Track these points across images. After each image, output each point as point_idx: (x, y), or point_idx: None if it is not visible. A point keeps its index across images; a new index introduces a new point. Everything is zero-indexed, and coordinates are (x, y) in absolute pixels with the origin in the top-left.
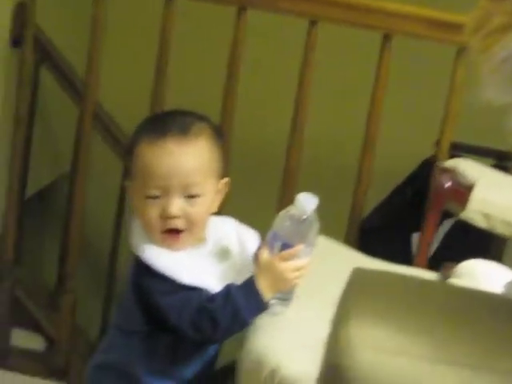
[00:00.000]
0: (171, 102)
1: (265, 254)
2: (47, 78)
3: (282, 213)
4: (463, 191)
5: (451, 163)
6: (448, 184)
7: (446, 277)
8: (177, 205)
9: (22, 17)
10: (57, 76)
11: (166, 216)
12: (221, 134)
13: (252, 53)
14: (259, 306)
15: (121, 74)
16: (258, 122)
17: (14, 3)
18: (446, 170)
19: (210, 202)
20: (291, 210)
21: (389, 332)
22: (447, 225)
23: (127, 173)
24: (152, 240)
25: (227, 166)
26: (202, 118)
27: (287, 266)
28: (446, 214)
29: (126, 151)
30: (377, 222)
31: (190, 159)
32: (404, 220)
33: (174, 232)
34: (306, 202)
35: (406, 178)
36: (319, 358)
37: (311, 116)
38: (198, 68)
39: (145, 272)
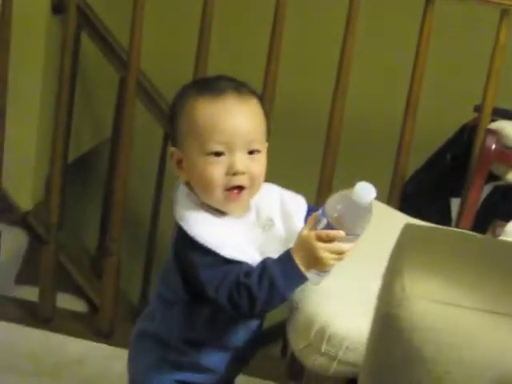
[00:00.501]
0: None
1: (305, 229)
2: (88, 43)
3: (338, 194)
4: (509, 153)
5: (497, 125)
6: (494, 146)
7: (495, 235)
8: (243, 161)
9: None
10: (97, 42)
11: (232, 172)
12: (261, 98)
13: (295, 21)
14: (296, 279)
15: (163, 41)
16: (301, 87)
17: None
18: (492, 132)
19: (265, 159)
20: (349, 194)
21: (442, 284)
22: (487, 189)
23: (172, 137)
24: (212, 199)
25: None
26: (243, 83)
27: (323, 246)
28: (486, 179)
29: (172, 113)
30: (416, 188)
31: (250, 116)
32: (444, 185)
33: (238, 189)
34: (365, 192)
35: (446, 143)
36: (370, 314)
37: (353, 80)
38: (241, 34)
39: (187, 243)
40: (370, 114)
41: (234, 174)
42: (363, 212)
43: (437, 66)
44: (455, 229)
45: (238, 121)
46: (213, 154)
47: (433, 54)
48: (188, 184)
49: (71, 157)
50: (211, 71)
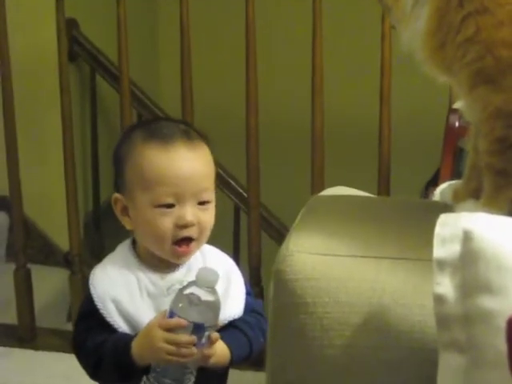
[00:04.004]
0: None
1: (155, 318)
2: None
3: (181, 289)
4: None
5: (458, 104)
6: (457, 123)
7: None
8: (193, 212)
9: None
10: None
11: (182, 225)
12: (208, 141)
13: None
14: (127, 367)
15: None
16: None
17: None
18: (455, 111)
19: (214, 209)
20: (192, 280)
21: (321, 239)
22: None
23: (116, 183)
24: (160, 251)
25: None
26: (188, 124)
27: (160, 335)
28: None
29: (116, 158)
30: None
31: (201, 164)
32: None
33: (187, 241)
34: (207, 278)
35: None
36: None
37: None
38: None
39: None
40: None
41: (184, 226)
42: (206, 298)
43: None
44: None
45: (187, 171)
46: (162, 206)
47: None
48: (132, 232)
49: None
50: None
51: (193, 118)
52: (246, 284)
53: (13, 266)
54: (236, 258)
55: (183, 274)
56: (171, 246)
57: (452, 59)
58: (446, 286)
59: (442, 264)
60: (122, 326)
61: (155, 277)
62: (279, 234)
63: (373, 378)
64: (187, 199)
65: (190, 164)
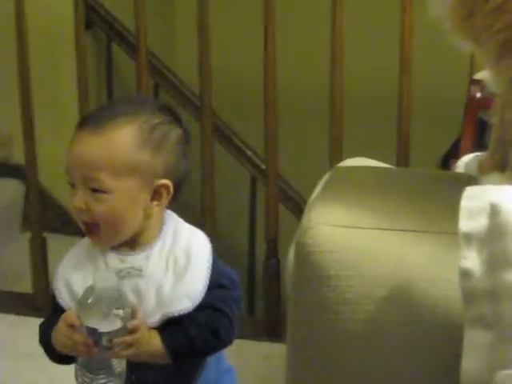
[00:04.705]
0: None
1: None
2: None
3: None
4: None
5: (480, 75)
6: (479, 94)
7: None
8: (81, 197)
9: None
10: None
11: (73, 208)
12: (185, 135)
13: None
14: (51, 349)
15: None
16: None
17: None
18: (476, 82)
19: (124, 201)
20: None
21: (344, 211)
22: None
23: None
24: None
25: (181, 168)
26: (142, 109)
27: (62, 328)
28: None
29: None
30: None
31: (93, 151)
32: None
33: (90, 226)
34: (104, 279)
35: None
36: None
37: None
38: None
39: None
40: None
41: (73, 208)
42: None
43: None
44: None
45: (76, 156)
46: (71, 186)
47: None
48: None
49: None
50: None
51: (210, 87)
52: (218, 275)
53: (28, 235)
54: (252, 229)
55: (145, 257)
56: (84, 228)
57: (479, 29)
58: (472, 260)
59: (468, 238)
60: (71, 308)
61: (114, 259)
62: (296, 206)
63: (396, 354)
64: (78, 183)
65: (81, 149)
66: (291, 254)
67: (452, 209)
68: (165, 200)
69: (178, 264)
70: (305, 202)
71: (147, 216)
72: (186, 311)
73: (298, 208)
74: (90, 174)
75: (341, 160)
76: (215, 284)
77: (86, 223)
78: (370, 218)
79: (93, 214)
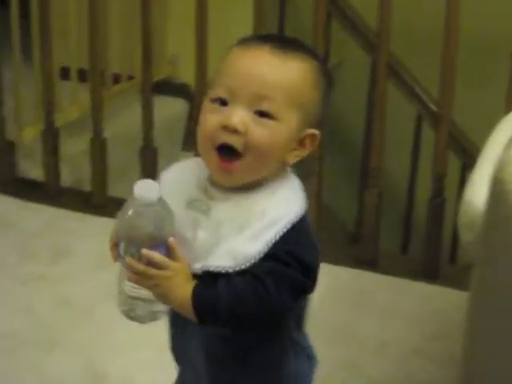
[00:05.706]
0: None
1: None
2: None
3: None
4: None
5: None
6: None
7: None
8: (242, 117)
9: None
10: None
11: (224, 124)
12: (330, 79)
13: None
14: None
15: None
16: None
17: None
18: None
19: (284, 135)
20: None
21: None
22: None
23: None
24: (206, 160)
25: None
26: (315, 56)
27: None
28: None
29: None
30: None
31: (275, 71)
32: None
33: (229, 154)
34: (145, 190)
35: None
36: None
37: None
38: None
39: None
40: None
41: (225, 126)
42: (150, 210)
43: None
44: None
45: (253, 69)
46: (216, 102)
47: None
48: None
49: None
50: None
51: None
52: (285, 252)
53: (190, 155)
54: (414, 167)
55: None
56: (215, 153)
57: None
58: None
59: None
60: None
61: (211, 189)
62: (459, 147)
63: None
64: (241, 99)
65: (260, 63)
66: (469, 196)
67: None
68: (306, 151)
69: (248, 220)
70: (468, 141)
71: (283, 164)
72: (224, 270)
73: (460, 149)
74: (266, 93)
75: None
76: (276, 258)
77: (228, 148)
78: None
79: (249, 138)
